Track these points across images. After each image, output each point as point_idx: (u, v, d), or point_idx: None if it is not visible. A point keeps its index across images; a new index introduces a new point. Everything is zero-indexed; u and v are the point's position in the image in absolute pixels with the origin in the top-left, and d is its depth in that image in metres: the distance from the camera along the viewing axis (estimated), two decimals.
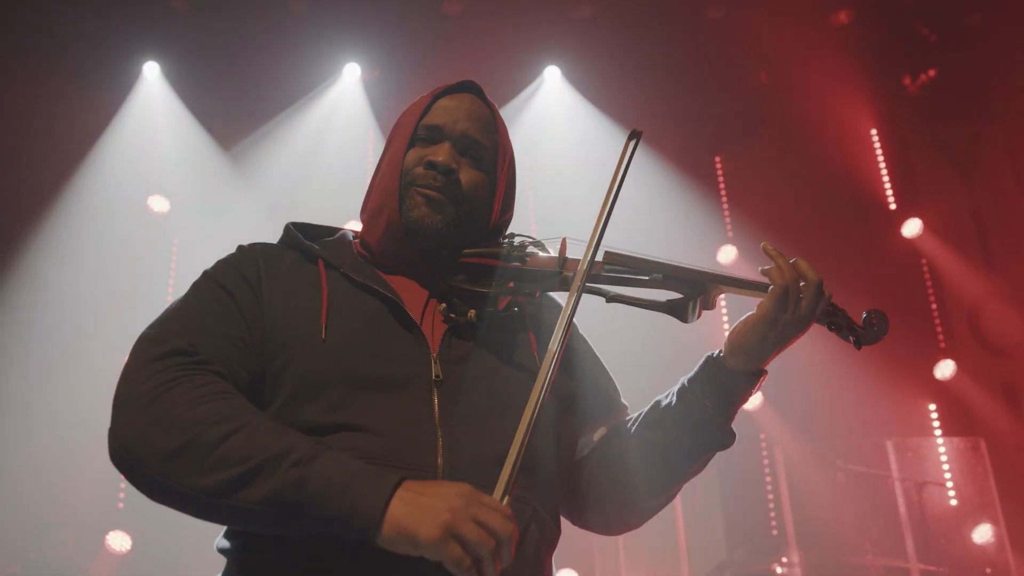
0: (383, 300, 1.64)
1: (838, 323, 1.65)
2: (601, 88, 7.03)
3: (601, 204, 1.54)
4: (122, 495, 6.31)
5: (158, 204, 6.95)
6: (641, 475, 1.69)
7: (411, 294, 1.70)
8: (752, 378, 1.62)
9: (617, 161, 1.58)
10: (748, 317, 1.61)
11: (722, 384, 1.62)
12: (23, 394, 6.06)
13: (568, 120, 7.08)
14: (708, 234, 7.26)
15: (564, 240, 1.69)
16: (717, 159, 7.75)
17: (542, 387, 1.39)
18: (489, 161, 1.79)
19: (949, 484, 6.44)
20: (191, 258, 6.72)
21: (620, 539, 6.33)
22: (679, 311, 1.65)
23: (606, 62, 6.92)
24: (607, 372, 1.87)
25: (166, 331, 1.52)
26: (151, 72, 6.86)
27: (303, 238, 1.76)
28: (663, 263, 1.64)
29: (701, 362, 1.67)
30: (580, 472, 1.76)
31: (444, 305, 1.66)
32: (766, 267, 1.60)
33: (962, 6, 7.15)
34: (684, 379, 1.69)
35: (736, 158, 7.66)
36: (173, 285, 6.72)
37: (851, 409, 6.52)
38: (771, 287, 1.58)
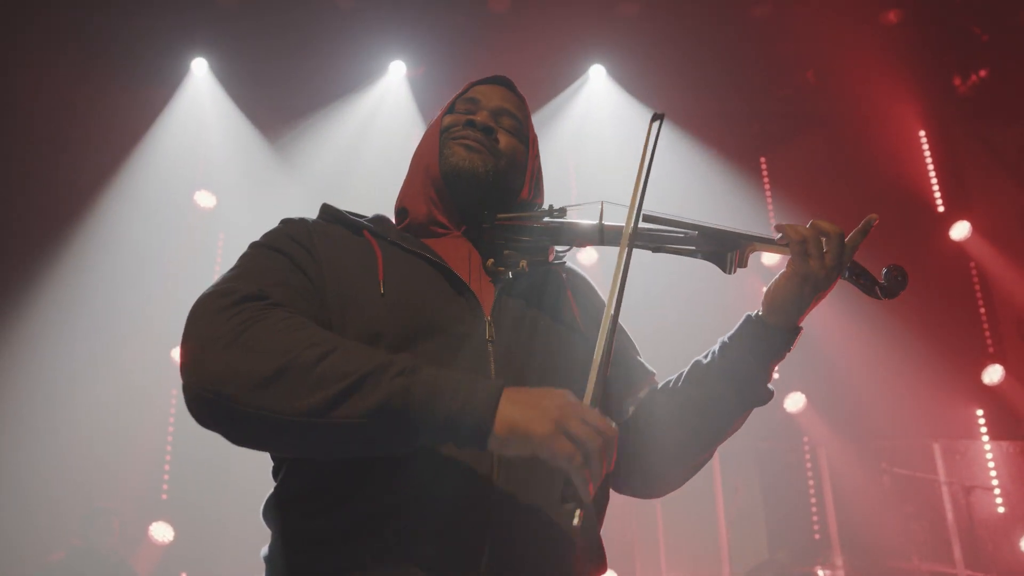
0: (433, 265, 1.66)
1: (862, 279, 1.73)
2: (646, 87, 7.00)
3: (635, 180, 1.60)
4: (166, 486, 6.41)
5: (204, 199, 7.04)
6: (685, 432, 1.74)
7: (457, 258, 1.72)
8: (790, 334, 1.69)
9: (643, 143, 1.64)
10: (781, 274, 1.68)
11: (763, 340, 1.68)
12: (72, 382, 6.16)
13: (613, 118, 7.05)
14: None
15: (602, 204, 1.76)
16: (763, 159, 7.68)
17: (613, 316, 1.44)
18: (523, 135, 1.86)
19: (997, 490, 6.33)
20: (236, 253, 6.81)
21: (661, 539, 6.32)
22: (719, 259, 1.73)
23: (651, 61, 6.89)
24: (633, 341, 1.94)
25: (230, 284, 1.50)
26: (199, 68, 6.95)
27: (343, 212, 1.78)
28: (697, 223, 1.72)
29: (741, 321, 1.73)
30: (623, 435, 1.78)
31: (492, 261, 1.72)
32: (780, 231, 1.69)
33: (1015, 5, 7.02)
34: (724, 338, 1.75)
35: (782, 158, 7.59)
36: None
37: (897, 411, 6.44)
38: (790, 245, 1.65)
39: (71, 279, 6.43)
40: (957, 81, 7.55)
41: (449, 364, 1.50)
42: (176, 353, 6.54)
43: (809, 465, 6.70)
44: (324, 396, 1.31)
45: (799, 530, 6.55)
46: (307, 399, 1.31)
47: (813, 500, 6.62)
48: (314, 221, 1.75)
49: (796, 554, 6.07)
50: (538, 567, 1.46)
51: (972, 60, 7.43)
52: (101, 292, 6.43)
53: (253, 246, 1.65)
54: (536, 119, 1.89)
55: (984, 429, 6.75)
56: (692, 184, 6.68)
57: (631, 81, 7.04)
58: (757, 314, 1.72)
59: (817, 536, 6.47)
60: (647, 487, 1.84)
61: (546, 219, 1.75)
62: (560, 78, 7.09)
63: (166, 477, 6.43)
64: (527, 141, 1.88)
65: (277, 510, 1.53)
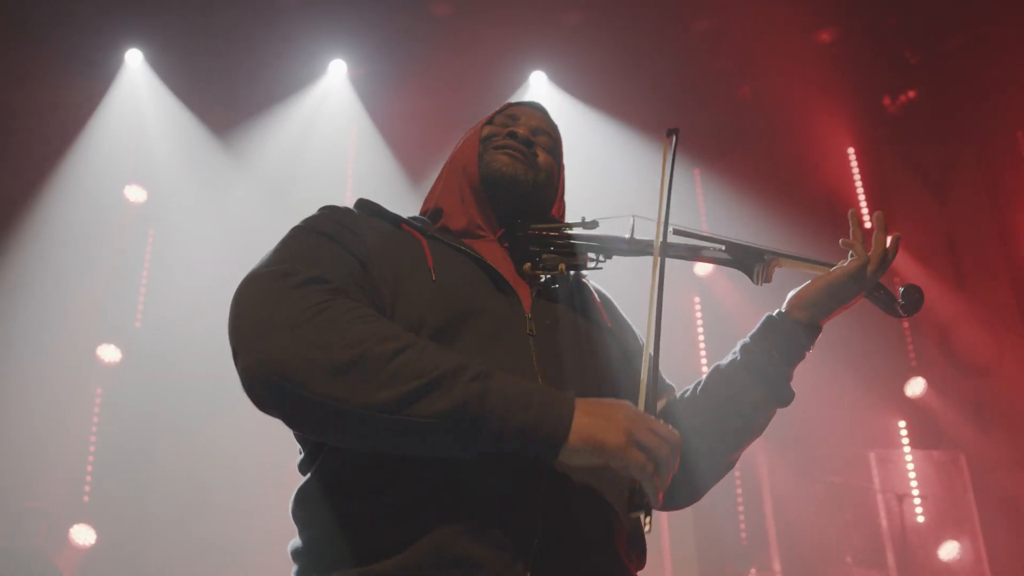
0: (475, 262, 1.67)
1: (882, 297, 1.82)
2: (585, 95, 7.05)
3: (659, 198, 1.67)
4: (88, 488, 6.24)
5: (135, 194, 6.88)
6: (710, 436, 1.75)
7: (495, 259, 1.73)
8: (814, 332, 1.75)
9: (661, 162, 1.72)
10: (820, 277, 1.75)
11: (788, 335, 1.74)
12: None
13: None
14: None
15: (633, 218, 1.82)
16: (696, 171, 7.79)
17: (659, 309, 1.50)
18: (557, 157, 1.92)
19: (916, 498, 6.50)
20: (167, 250, 6.68)
21: None
22: (748, 269, 1.80)
23: (592, 69, 6.95)
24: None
25: (287, 265, 1.48)
26: (134, 60, 6.79)
27: (381, 206, 1.78)
28: (725, 238, 1.81)
29: (762, 322, 1.78)
30: None
31: (528, 265, 1.74)
32: (847, 239, 1.78)
33: (943, 30, 7.24)
34: (744, 340, 1.79)
35: (715, 171, 7.71)
36: (147, 277, 6.67)
37: (829, 422, 6.58)
38: (853, 254, 1.75)
39: None
40: (887, 101, 7.76)
41: (492, 353, 1.52)
42: (102, 351, 6.40)
43: (738, 472, 6.80)
44: (398, 392, 1.30)
45: (728, 533, 6.64)
46: (380, 393, 1.30)
47: (741, 507, 6.73)
48: (358, 212, 1.74)
49: (725, 559, 6.17)
50: (588, 555, 1.47)
51: (901, 81, 7.64)
52: (26, 289, 6.25)
53: (297, 230, 1.62)
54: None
55: (906, 440, 6.93)
56: (626, 193, 6.74)
57: (572, 88, 7.09)
58: (780, 313, 1.77)
59: (745, 542, 6.57)
60: (671, 500, 1.85)
61: (579, 230, 1.79)
62: (501, 83, 7.09)
63: (88, 479, 6.26)
64: (560, 163, 1.93)
65: (315, 499, 1.49)
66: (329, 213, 1.67)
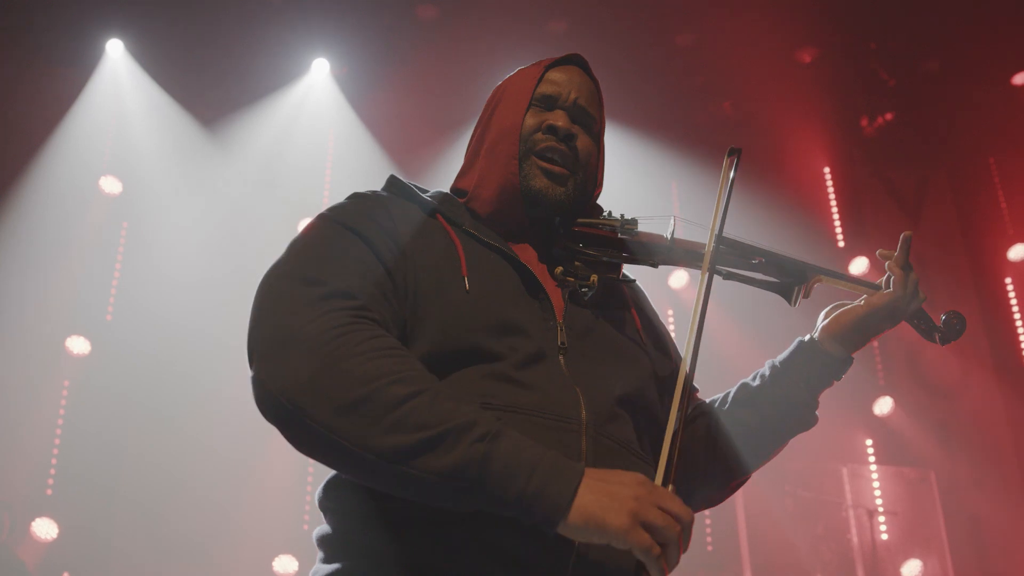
0: (510, 262, 1.64)
1: (924, 324, 1.80)
2: None
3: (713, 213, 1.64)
4: (51, 481, 6.16)
5: (110, 185, 6.81)
6: (731, 452, 1.76)
7: (528, 259, 1.70)
8: (846, 363, 1.75)
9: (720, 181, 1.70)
10: (856, 306, 1.74)
11: (821, 366, 1.73)
12: None
13: None
14: None
15: (674, 219, 1.79)
16: (672, 184, 7.83)
17: (687, 379, 1.46)
18: (597, 131, 1.84)
19: (882, 514, 6.56)
20: (141, 241, 6.62)
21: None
22: (786, 292, 1.77)
23: None
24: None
25: (315, 272, 1.45)
26: (115, 50, 6.73)
27: (415, 190, 1.72)
28: (767, 250, 1.78)
29: (793, 346, 1.77)
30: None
31: (561, 269, 1.70)
32: (889, 259, 1.76)
33: (921, 54, 7.35)
34: (775, 362, 1.79)
35: (692, 185, 7.75)
36: (120, 270, 6.60)
37: (804, 437, 6.63)
38: (888, 287, 1.73)
39: None
40: (864, 122, 7.84)
41: (520, 365, 1.49)
42: (72, 343, 6.33)
43: None
44: (398, 442, 1.27)
45: (693, 541, 6.66)
46: (381, 440, 1.28)
47: (707, 513, 6.75)
48: (388, 197, 1.69)
49: (695, 566, 6.19)
50: (622, 567, 1.44)
51: (879, 103, 7.72)
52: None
53: (324, 220, 1.59)
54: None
55: (872, 457, 6.99)
56: (610, 204, 6.76)
57: None
58: (811, 339, 1.75)
59: (710, 548, 6.61)
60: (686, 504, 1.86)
61: (619, 233, 1.75)
62: (484, 87, 7.07)
63: (52, 472, 6.18)
64: (599, 138, 1.86)
65: (348, 490, 1.47)
66: (358, 203, 1.63)
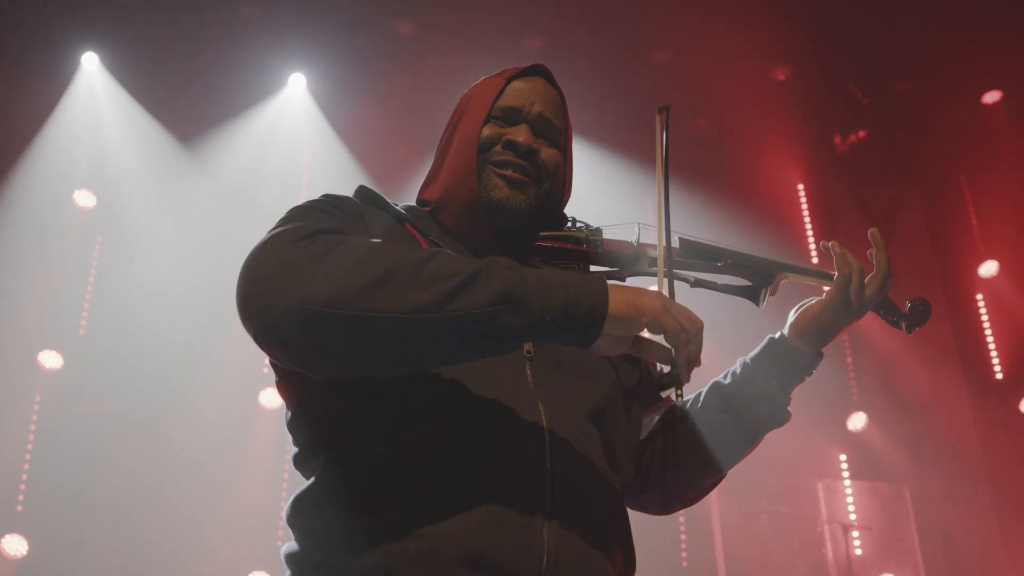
0: None
1: (891, 314, 1.81)
2: None
3: (657, 193, 1.66)
4: (22, 497, 6.08)
5: (84, 199, 6.76)
6: (705, 453, 1.77)
7: None
8: (816, 359, 1.76)
9: (656, 142, 1.70)
10: (817, 302, 1.75)
11: (790, 363, 1.75)
12: None
13: None
14: None
15: (638, 225, 1.79)
16: (647, 201, 7.87)
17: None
18: (562, 142, 1.82)
19: (855, 529, 6.59)
20: (114, 256, 6.57)
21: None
22: (753, 295, 1.77)
23: None
24: None
25: (296, 223, 1.45)
26: (90, 63, 6.69)
27: (384, 199, 1.73)
28: (731, 250, 1.78)
29: (764, 344, 1.79)
30: (642, 451, 1.82)
31: None
32: (836, 257, 1.75)
33: (895, 73, 7.44)
34: (746, 359, 1.80)
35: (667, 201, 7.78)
36: (93, 284, 6.55)
37: (778, 452, 6.66)
38: (837, 274, 1.72)
39: None
40: (837, 139, 7.92)
41: (487, 373, 1.49)
42: (44, 357, 6.26)
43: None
44: (440, 291, 1.30)
45: (669, 556, 6.65)
46: (424, 294, 1.29)
47: (683, 530, 6.76)
48: (359, 202, 1.70)
49: None
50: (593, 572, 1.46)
51: (853, 121, 7.80)
52: None
53: (298, 207, 1.60)
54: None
55: (847, 472, 7.03)
56: (583, 215, 6.77)
57: None
58: (782, 336, 1.77)
59: (685, 564, 6.61)
60: (663, 505, 1.87)
61: (584, 245, 1.75)
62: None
63: (23, 487, 6.10)
64: (565, 149, 1.83)
65: (315, 508, 1.47)
66: (333, 200, 1.64)
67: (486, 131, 1.74)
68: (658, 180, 1.65)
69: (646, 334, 1.42)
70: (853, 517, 6.68)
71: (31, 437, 6.21)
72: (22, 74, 6.53)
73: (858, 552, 6.49)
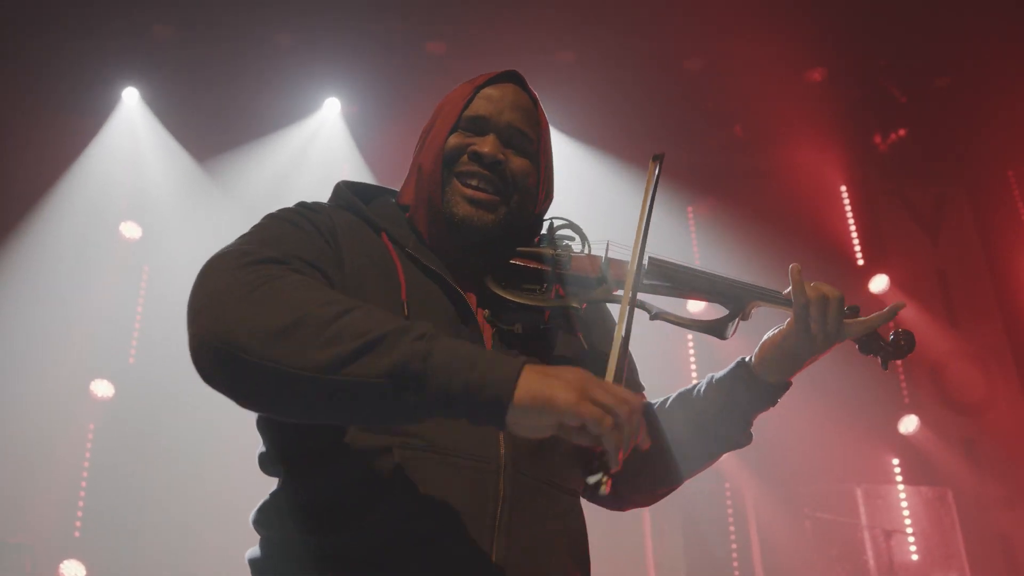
0: (446, 291, 1.62)
1: (868, 342, 1.72)
2: (577, 132, 7.11)
3: (637, 224, 1.59)
4: (79, 523, 6.19)
5: (130, 231, 6.89)
6: (660, 464, 1.75)
7: (467, 287, 1.68)
8: (779, 390, 1.71)
9: (645, 184, 1.65)
10: (780, 331, 1.70)
11: (752, 391, 1.71)
12: None
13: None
14: None
15: (608, 244, 1.74)
16: (689, 209, 7.84)
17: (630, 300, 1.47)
18: (533, 150, 1.76)
19: (910, 535, 6.47)
20: (162, 285, 6.68)
21: None
22: (718, 330, 1.69)
23: (584, 107, 7.00)
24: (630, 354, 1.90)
25: (248, 246, 1.45)
26: (130, 98, 6.84)
27: (362, 204, 1.71)
28: (703, 275, 1.72)
29: (732, 367, 1.75)
30: None
31: (488, 312, 1.66)
32: (787, 289, 1.68)
33: (932, 69, 7.34)
34: (713, 377, 1.77)
35: (708, 209, 7.75)
36: (142, 313, 6.66)
37: (820, 458, 6.57)
38: (794, 304, 1.66)
39: None
40: (877, 139, 7.83)
41: None
42: (96, 386, 6.38)
43: (731, 511, 6.77)
44: (339, 351, 1.24)
45: (720, 572, 6.60)
46: (321, 353, 1.24)
47: (734, 545, 6.69)
48: (332, 207, 1.69)
49: None
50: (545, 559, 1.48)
51: (892, 120, 7.71)
52: (21, 323, 6.23)
53: (269, 217, 1.60)
54: None
55: (900, 477, 6.91)
56: (619, 230, 6.75)
57: (565, 125, 7.14)
58: (750, 361, 1.73)
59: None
60: (618, 503, 1.87)
61: (550, 265, 1.70)
62: None
63: (79, 514, 6.21)
64: (538, 155, 1.77)
65: (276, 518, 1.50)
66: (303, 211, 1.63)
67: (452, 140, 1.71)
68: (639, 222, 1.59)
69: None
70: (908, 522, 6.56)
71: (86, 464, 6.33)
72: (61, 110, 6.68)
73: (913, 558, 6.38)
